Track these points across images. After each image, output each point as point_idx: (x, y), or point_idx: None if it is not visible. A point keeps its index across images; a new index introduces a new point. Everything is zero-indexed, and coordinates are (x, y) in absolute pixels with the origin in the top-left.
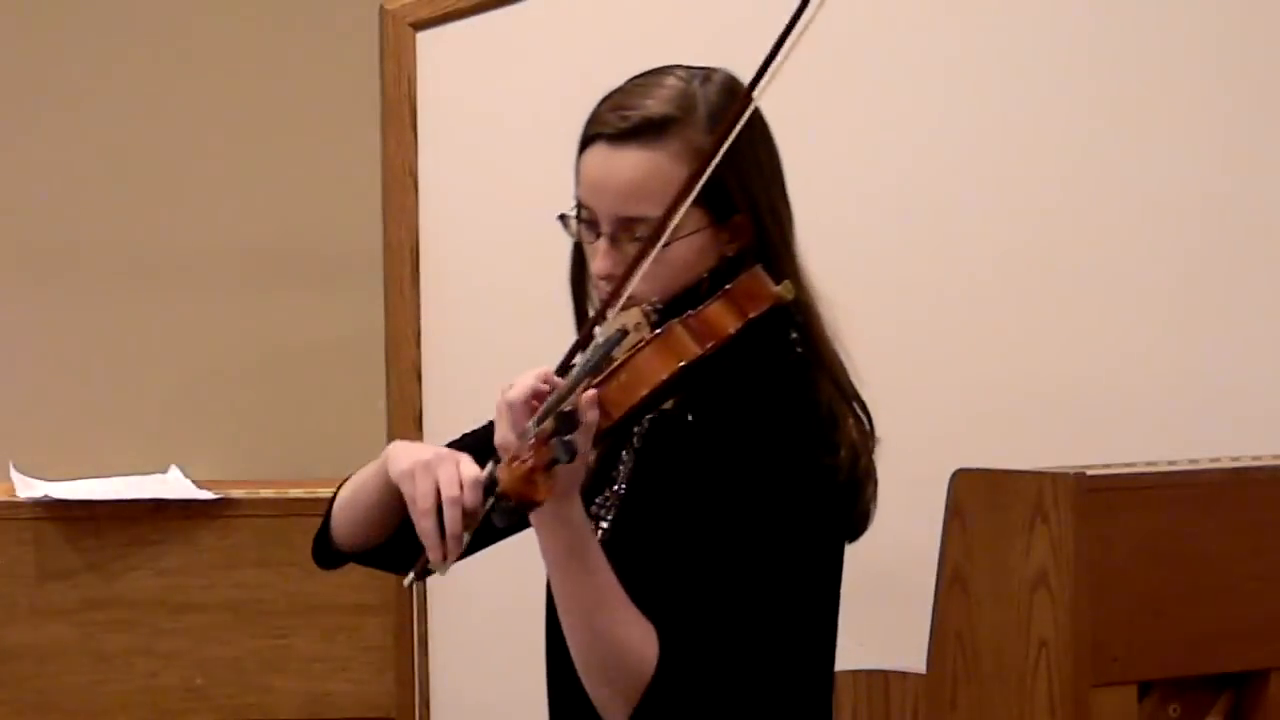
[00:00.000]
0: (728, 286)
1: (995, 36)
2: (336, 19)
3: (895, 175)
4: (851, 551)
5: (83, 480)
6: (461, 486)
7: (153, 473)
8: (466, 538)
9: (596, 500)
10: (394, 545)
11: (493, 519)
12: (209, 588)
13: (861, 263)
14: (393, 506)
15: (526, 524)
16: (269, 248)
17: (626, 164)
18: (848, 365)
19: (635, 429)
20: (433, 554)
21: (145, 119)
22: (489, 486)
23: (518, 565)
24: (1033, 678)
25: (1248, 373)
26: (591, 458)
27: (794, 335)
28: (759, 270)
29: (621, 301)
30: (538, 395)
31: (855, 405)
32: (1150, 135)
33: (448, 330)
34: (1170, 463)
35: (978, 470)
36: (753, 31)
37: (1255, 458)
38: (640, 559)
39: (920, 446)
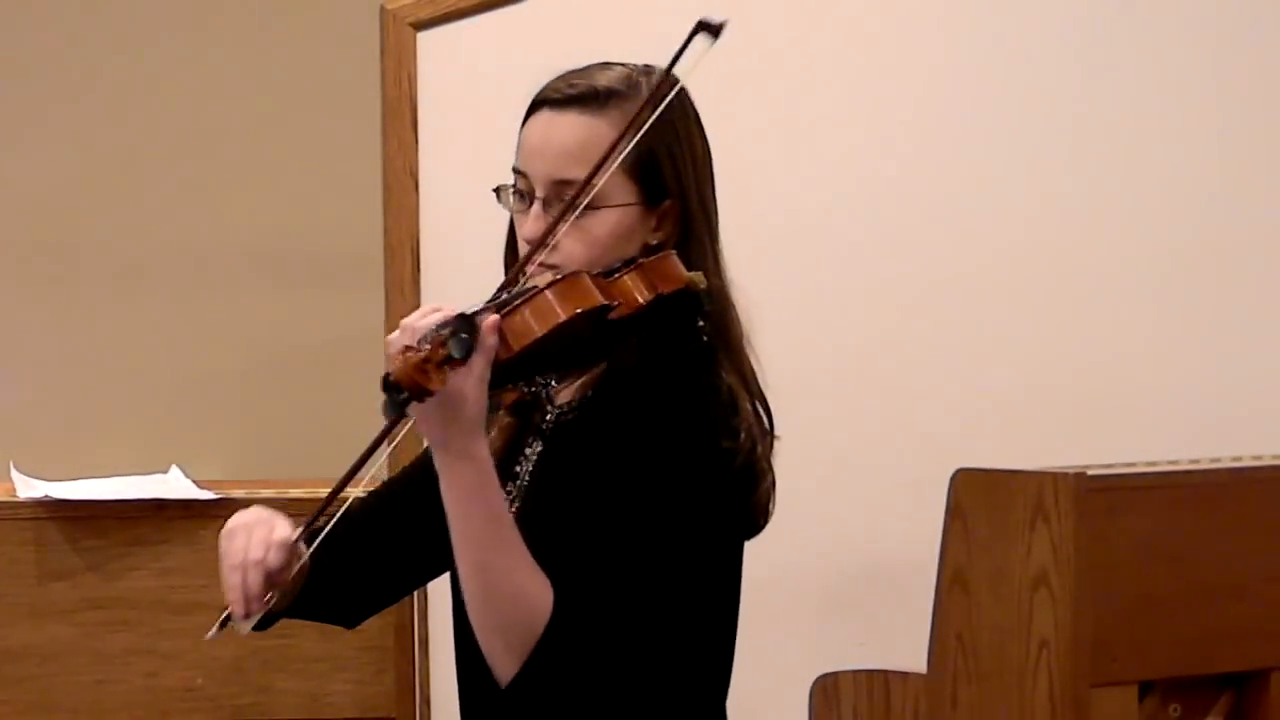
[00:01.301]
0: (641, 261)
1: (996, 36)
2: (336, 19)
3: (895, 175)
4: (852, 551)
5: (83, 480)
6: (266, 549)
7: (153, 473)
8: (274, 597)
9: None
10: (327, 590)
11: (382, 409)
12: (209, 588)
13: (862, 263)
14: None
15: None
16: (269, 248)
17: (566, 126)
18: (757, 369)
19: (545, 421)
20: (234, 609)
21: (145, 119)
22: (384, 381)
23: None
24: (1033, 678)
25: (1248, 373)
26: (496, 439)
27: (701, 324)
28: (674, 254)
29: (544, 253)
30: (444, 322)
31: (757, 402)
32: (1150, 134)
33: None
34: (1170, 463)
35: (978, 470)
36: (753, 31)
37: (1255, 458)
38: (543, 543)
39: (920, 446)
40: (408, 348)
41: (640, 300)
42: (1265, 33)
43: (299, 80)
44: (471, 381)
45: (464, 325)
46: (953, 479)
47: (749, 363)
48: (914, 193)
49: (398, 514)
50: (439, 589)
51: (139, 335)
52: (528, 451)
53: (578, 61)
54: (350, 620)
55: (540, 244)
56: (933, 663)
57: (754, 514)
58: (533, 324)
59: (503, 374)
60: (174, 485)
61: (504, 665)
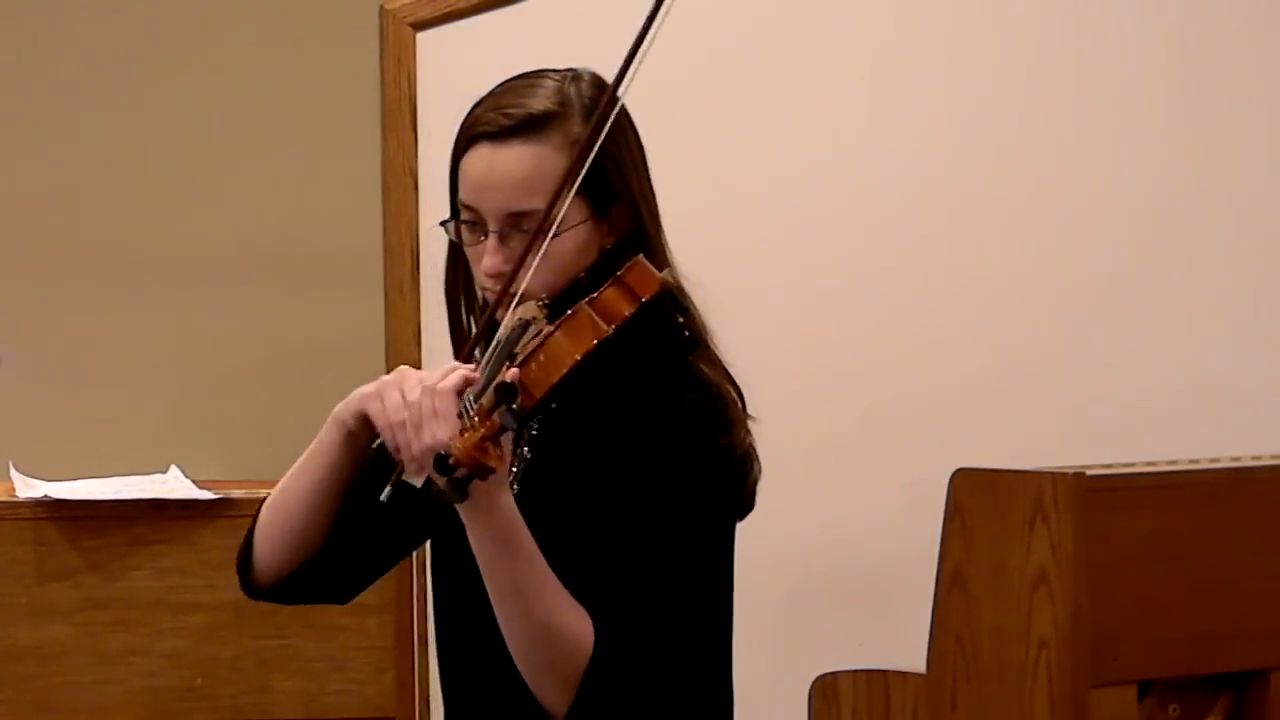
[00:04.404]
0: (618, 274)
1: (994, 39)
2: (336, 19)
3: (896, 177)
4: (852, 551)
5: (83, 480)
6: (434, 386)
7: (153, 473)
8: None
9: None
10: (320, 565)
11: (443, 494)
12: (209, 588)
13: (861, 263)
14: (332, 490)
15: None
16: (269, 248)
17: (512, 158)
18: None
19: (530, 428)
20: (410, 465)
21: (145, 119)
22: (439, 462)
23: None
24: (1033, 678)
25: (1248, 373)
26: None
27: (681, 320)
28: (642, 258)
29: (518, 294)
30: (467, 382)
31: (733, 386)
32: (1150, 135)
33: (448, 330)
34: (1170, 463)
35: (978, 470)
36: (753, 31)
37: (1255, 458)
38: (547, 551)
39: (920, 446)
40: (464, 429)
41: (626, 313)
42: (1266, 34)
43: (299, 80)
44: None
45: (508, 394)
46: (952, 479)
47: (716, 349)
48: (913, 193)
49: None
50: None
51: (139, 335)
52: (514, 460)
53: (578, 62)
54: (344, 596)
55: (513, 279)
56: (932, 663)
57: (747, 499)
58: (550, 369)
59: (523, 417)
60: (174, 485)
61: (557, 699)
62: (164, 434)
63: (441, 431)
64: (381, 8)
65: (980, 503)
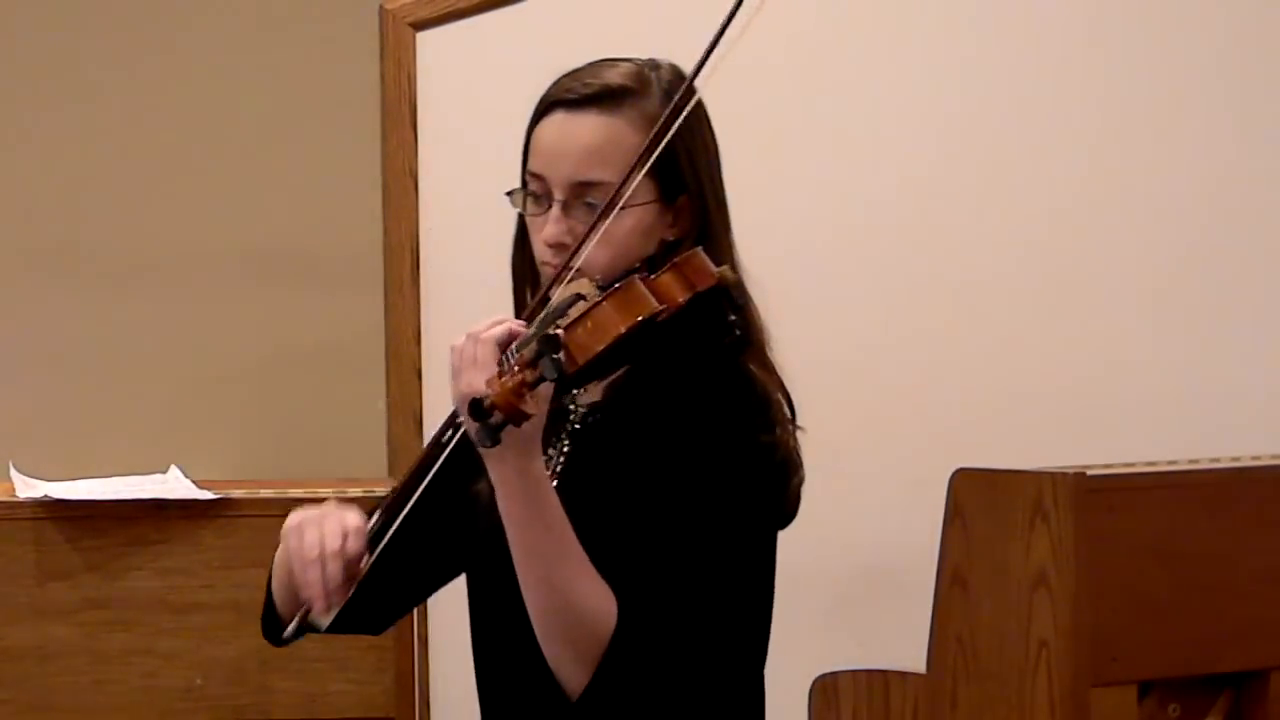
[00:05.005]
0: (675, 260)
1: (999, 36)
2: (336, 19)
3: (895, 176)
4: (852, 551)
5: (83, 480)
6: (344, 536)
7: (153, 473)
8: (354, 587)
9: None
10: (353, 605)
11: (477, 437)
12: (209, 588)
13: (862, 263)
14: None
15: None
16: (269, 248)
17: (585, 127)
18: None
19: (569, 422)
20: (316, 603)
21: (145, 119)
22: (474, 406)
23: None
24: (1033, 678)
25: (1247, 373)
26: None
27: (733, 318)
28: (701, 251)
29: (577, 264)
30: (512, 335)
31: (783, 394)
32: (1150, 136)
33: (448, 330)
34: (1170, 463)
35: (978, 470)
36: (752, 31)
37: (1255, 458)
38: (584, 540)
39: (920, 446)
40: (501, 372)
41: (680, 300)
42: (1268, 36)
43: (299, 80)
44: (542, 407)
45: (552, 344)
46: (952, 479)
47: (771, 355)
48: (913, 195)
49: (421, 515)
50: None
51: (139, 335)
52: (552, 453)
53: (577, 61)
54: (378, 628)
55: (574, 252)
56: (932, 663)
57: (789, 505)
58: (596, 336)
59: (562, 381)
60: (174, 485)
61: (573, 675)
62: (164, 434)
63: (478, 378)
64: (381, 8)
65: (980, 503)
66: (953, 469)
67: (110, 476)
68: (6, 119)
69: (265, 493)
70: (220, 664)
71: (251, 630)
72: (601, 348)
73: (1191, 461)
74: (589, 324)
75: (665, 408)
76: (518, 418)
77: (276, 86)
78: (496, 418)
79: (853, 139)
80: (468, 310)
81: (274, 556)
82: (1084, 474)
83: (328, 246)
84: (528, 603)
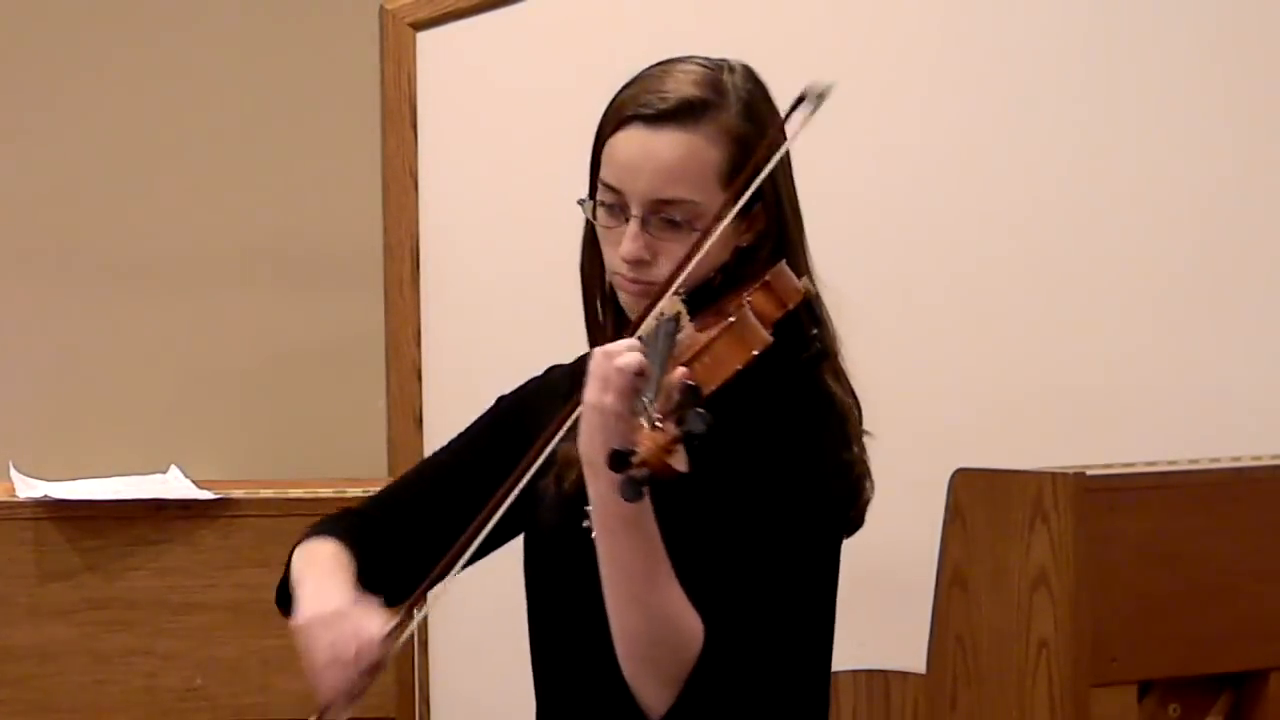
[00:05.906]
0: (766, 279)
1: (997, 37)
2: (336, 19)
3: (895, 175)
4: (852, 551)
5: (83, 480)
6: (357, 648)
7: (153, 473)
8: (369, 684)
9: None
10: (381, 576)
11: (621, 490)
12: (209, 588)
13: (861, 263)
14: None
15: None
16: (269, 248)
17: (665, 144)
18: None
19: None
20: (335, 709)
21: (145, 118)
22: (618, 458)
23: (518, 565)
24: (1033, 678)
25: (1247, 373)
26: None
27: (815, 332)
28: (785, 266)
29: (675, 286)
30: (642, 367)
31: (854, 399)
32: (1150, 136)
33: (448, 330)
34: (1170, 463)
35: (978, 470)
36: (753, 31)
37: (1255, 458)
38: (668, 554)
39: (920, 446)
40: (655, 427)
41: (775, 319)
42: (1269, 36)
43: (298, 80)
44: None
45: (695, 397)
46: (952, 479)
47: (842, 361)
48: (913, 195)
49: (442, 500)
50: (439, 589)
51: (139, 335)
52: None
53: (576, 61)
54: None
55: (673, 279)
56: (932, 663)
57: (857, 517)
58: (714, 374)
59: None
60: (173, 485)
61: (656, 696)
62: (164, 434)
63: (623, 426)
64: (381, 8)
65: (980, 503)
66: (953, 469)
67: (110, 476)
68: (6, 119)
69: (265, 493)
70: (220, 664)
71: (251, 630)
72: (719, 385)
73: (1191, 461)
74: (707, 360)
75: (749, 426)
76: (666, 477)
77: (276, 86)
78: (642, 473)
79: (852, 140)
80: (468, 310)
81: (291, 548)
82: (1084, 474)
83: (327, 247)
84: (614, 621)
